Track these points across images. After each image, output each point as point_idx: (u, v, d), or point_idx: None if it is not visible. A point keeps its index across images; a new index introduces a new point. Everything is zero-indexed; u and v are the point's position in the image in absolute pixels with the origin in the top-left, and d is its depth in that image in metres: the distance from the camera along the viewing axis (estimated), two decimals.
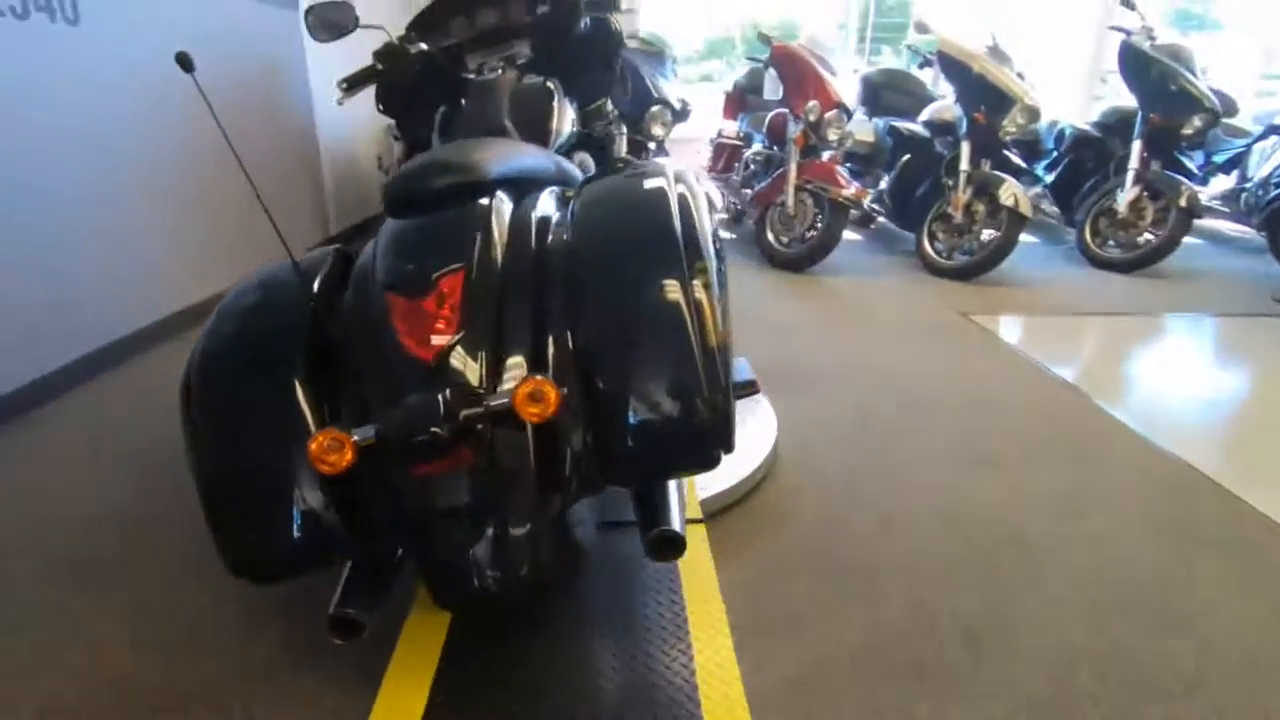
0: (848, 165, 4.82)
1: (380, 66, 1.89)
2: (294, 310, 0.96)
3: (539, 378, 0.81)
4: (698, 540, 1.48)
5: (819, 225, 3.86)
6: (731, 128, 5.11)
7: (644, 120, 3.91)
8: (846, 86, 5.49)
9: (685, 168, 1.23)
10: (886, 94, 4.95)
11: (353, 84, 1.89)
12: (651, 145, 4.06)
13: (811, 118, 3.79)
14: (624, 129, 3.91)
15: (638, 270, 0.94)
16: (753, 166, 4.60)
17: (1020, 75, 3.84)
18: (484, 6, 2.04)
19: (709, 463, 0.95)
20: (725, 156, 5.00)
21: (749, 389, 1.16)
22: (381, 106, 2.08)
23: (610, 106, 2.29)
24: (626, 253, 0.97)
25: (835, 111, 3.82)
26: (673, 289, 0.91)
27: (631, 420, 0.90)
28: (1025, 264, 4.11)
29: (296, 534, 0.90)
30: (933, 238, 3.97)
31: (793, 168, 3.85)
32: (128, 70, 2.44)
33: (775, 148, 4.32)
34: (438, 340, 0.88)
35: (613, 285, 0.94)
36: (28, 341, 2.08)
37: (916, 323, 3.14)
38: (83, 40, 2.25)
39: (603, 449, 0.92)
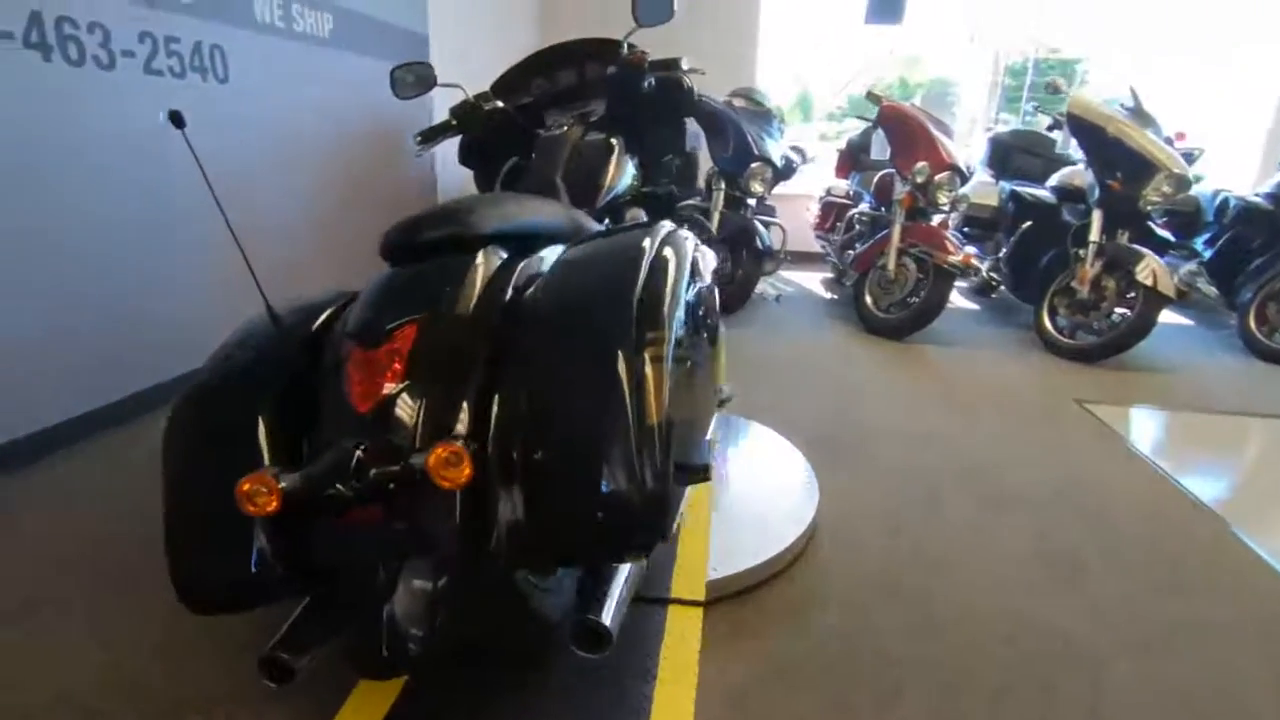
0: (966, 230, 4.54)
1: (455, 122, 2.01)
2: (272, 352, 1.00)
3: (456, 444, 0.78)
4: (690, 627, 1.36)
5: (922, 292, 3.62)
6: (843, 186, 4.97)
7: (743, 177, 3.89)
8: (971, 149, 5.21)
9: (683, 231, 1.18)
10: (1016, 156, 4.62)
11: (428, 137, 2.02)
12: (751, 201, 4.03)
13: (919, 179, 3.60)
14: (722, 184, 3.93)
15: (580, 337, 0.90)
16: (858, 227, 4.42)
17: (1168, 140, 3.45)
18: (563, 67, 2.12)
19: (637, 551, 0.87)
20: (832, 215, 4.86)
21: (701, 475, 1.05)
22: (462, 159, 2.20)
23: (675, 163, 2.28)
24: (573, 317, 0.93)
25: (947, 174, 3.61)
26: (613, 360, 0.86)
27: (555, 497, 0.84)
28: (1169, 349, 3.62)
29: (239, 569, 0.91)
30: (1053, 313, 3.59)
31: (896, 229, 3.66)
32: (269, 120, 2.77)
33: (882, 209, 4.14)
34: (378, 392, 0.88)
35: (554, 351, 0.91)
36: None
37: (1018, 405, 2.82)
38: (231, 95, 2.58)
39: (530, 523, 0.87)
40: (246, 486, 0.80)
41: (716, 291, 1.37)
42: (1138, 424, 2.71)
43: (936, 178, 3.62)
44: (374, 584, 0.85)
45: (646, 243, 1.03)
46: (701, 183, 4.14)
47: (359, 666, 0.85)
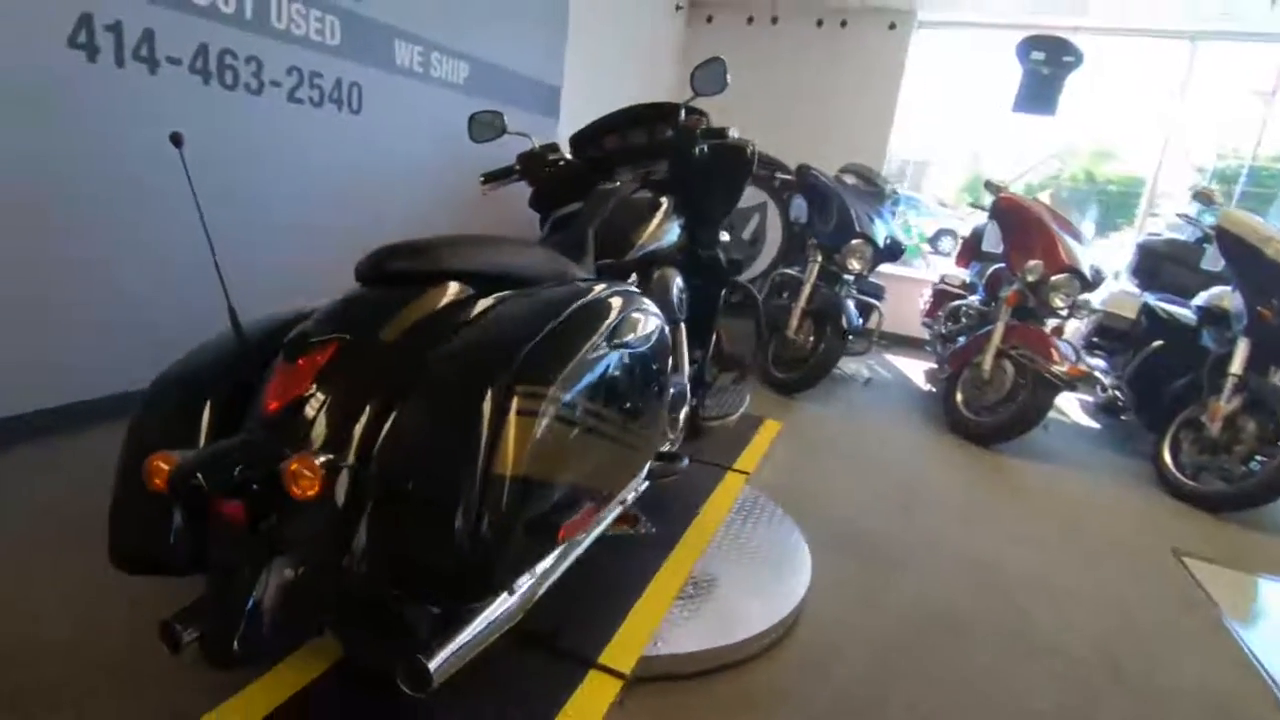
0: (1096, 340, 4.12)
1: (518, 168, 2.14)
2: (227, 356, 1.09)
3: (312, 458, 0.83)
4: (598, 700, 1.31)
5: (1018, 398, 3.30)
6: (960, 275, 4.69)
7: (841, 252, 3.79)
8: (1111, 253, 4.74)
9: (634, 299, 1.18)
10: (1167, 267, 4.15)
11: (491, 178, 2.17)
12: (848, 277, 3.91)
13: (1031, 278, 3.33)
14: (818, 257, 3.85)
15: (458, 379, 0.92)
16: (964, 320, 4.14)
17: None
18: (635, 127, 2.21)
19: (455, 597, 0.86)
20: (942, 304, 4.58)
21: (547, 535, 1.00)
22: (530, 204, 2.33)
23: (732, 228, 2.28)
24: (462, 359, 0.95)
25: (1065, 276, 3.32)
26: (475, 407, 0.87)
27: (395, 528, 0.86)
28: None
29: (156, 540, 1.00)
30: (1176, 447, 3.14)
31: (998, 329, 3.39)
32: (391, 149, 3.10)
33: (991, 304, 3.85)
34: (284, 399, 0.95)
35: (434, 389, 0.93)
36: None
37: (1100, 543, 2.48)
38: (360, 125, 2.92)
39: (375, 548, 0.89)
40: (152, 463, 0.89)
41: (673, 364, 1.34)
42: (1242, 595, 2.27)
43: (1053, 279, 3.33)
44: (238, 578, 0.90)
45: (578, 301, 1.05)
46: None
47: (208, 653, 0.90)
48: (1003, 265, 3.65)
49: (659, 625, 1.53)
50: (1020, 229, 3.46)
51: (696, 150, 1.97)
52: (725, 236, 2.40)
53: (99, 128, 2.06)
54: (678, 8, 5.70)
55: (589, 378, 1.00)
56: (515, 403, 0.89)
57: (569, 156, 2.17)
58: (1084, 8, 4.70)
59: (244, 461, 0.86)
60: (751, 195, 5.34)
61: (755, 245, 5.57)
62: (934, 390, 4.41)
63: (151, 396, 1.08)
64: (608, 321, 1.08)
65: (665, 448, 1.78)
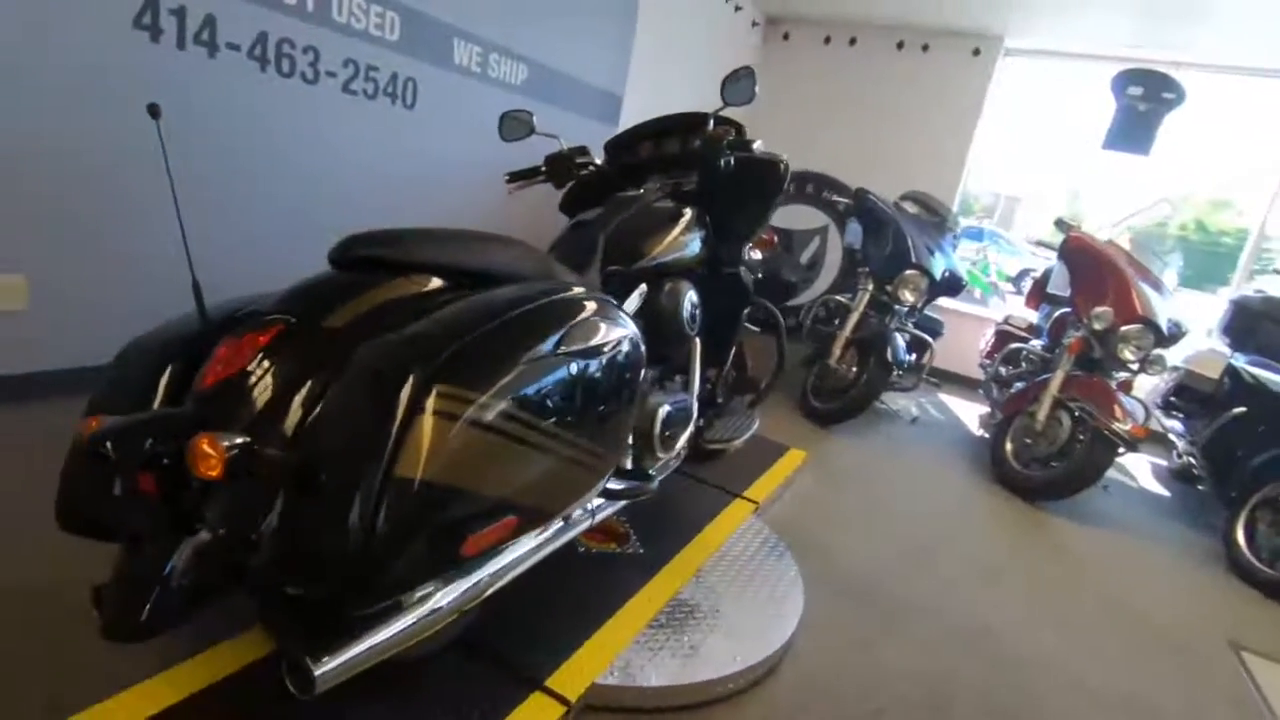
0: (1174, 400, 3.78)
1: (544, 169, 2.12)
2: (187, 330, 1.08)
3: (220, 440, 0.80)
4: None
5: (1072, 454, 3.05)
6: (1026, 318, 4.41)
7: (894, 282, 3.62)
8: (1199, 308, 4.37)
9: (607, 303, 1.12)
10: (1266, 326, 3.77)
11: (516, 177, 2.15)
12: (900, 309, 3.72)
13: (1098, 326, 3.09)
14: (869, 286, 3.69)
15: (374, 372, 0.88)
16: (1024, 364, 3.88)
17: None
18: (669, 136, 2.15)
19: (338, 594, 0.81)
20: (1002, 346, 4.31)
21: (450, 546, 0.93)
22: (560, 206, 2.31)
23: (747, 251, 2.18)
24: (384, 352, 0.91)
25: (1138, 327, 3.05)
26: (388, 405, 0.83)
27: (292, 515, 0.82)
28: None
29: (93, 502, 1.00)
30: (1251, 527, 2.82)
31: (1057, 377, 3.15)
32: (441, 144, 3.15)
33: (1055, 350, 3.59)
34: (220, 375, 0.93)
35: (352, 376, 0.89)
36: None
37: (1142, 628, 2.23)
38: (413, 119, 2.98)
39: (278, 535, 0.86)
40: (85, 425, 0.89)
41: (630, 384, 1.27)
42: None
43: (1123, 329, 3.07)
44: (151, 550, 0.89)
45: (530, 304, 1.00)
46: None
47: (106, 621, 0.89)
48: (1069, 309, 3.40)
49: (620, 653, 1.45)
50: (1090, 272, 3.21)
51: (721, 162, 1.89)
52: (758, 255, 2.32)
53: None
54: (754, 24, 5.64)
55: (526, 385, 0.95)
56: (432, 402, 0.84)
57: (598, 162, 2.13)
58: (1188, 42, 4.36)
59: (155, 434, 0.84)
60: (813, 218, 5.21)
61: (813, 269, 5.42)
62: (987, 436, 4.15)
63: (113, 364, 1.09)
64: (558, 328, 1.02)
65: (654, 468, 1.71)
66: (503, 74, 3.34)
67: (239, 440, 0.83)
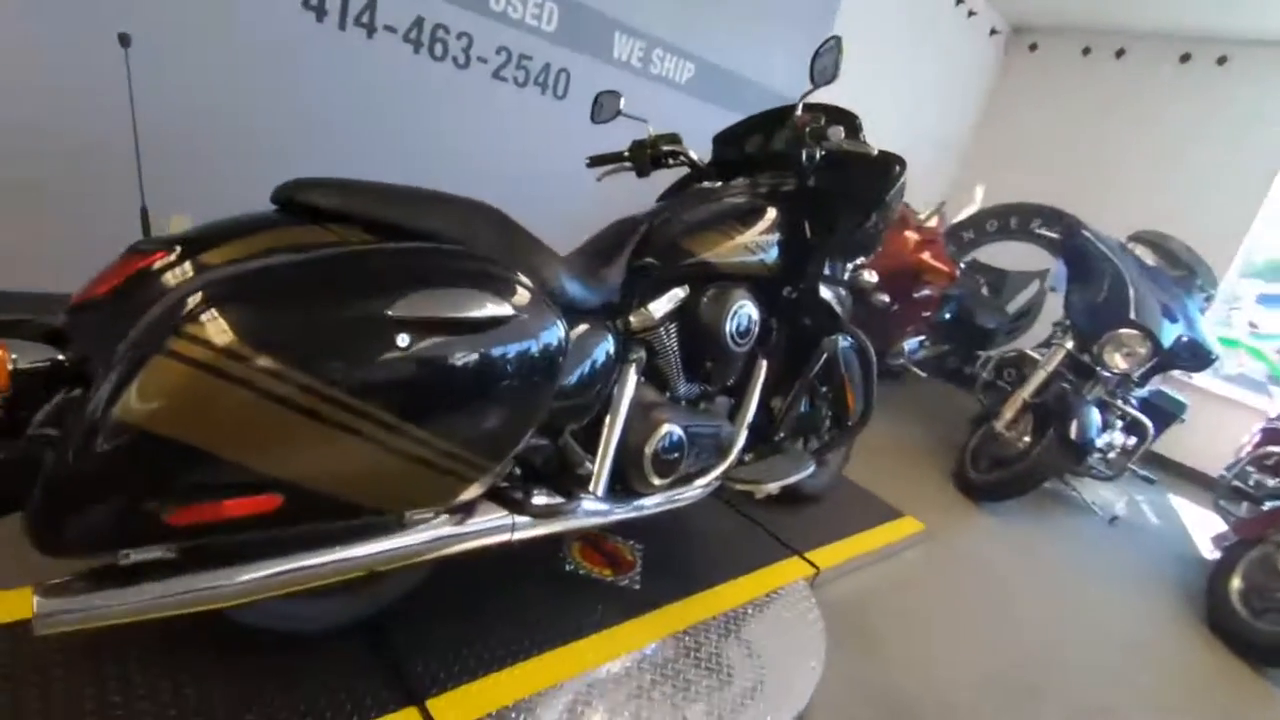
0: None
1: (627, 154, 1.96)
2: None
3: (10, 354, 0.78)
4: None
5: None
6: None
7: (1099, 341, 2.88)
8: None
9: (495, 269, 0.93)
10: None
11: (596, 161, 2.02)
12: (1105, 375, 2.95)
13: None
14: (1067, 343, 2.99)
15: (153, 310, 0.80)
16: None
17: None
18: (779, 129, 1.89)
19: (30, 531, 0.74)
20: (1268, 448, 3.22)
21: (153, 510, 0.79)
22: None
23: (839, 272, 1.80)
24: (176, 289, 0.81)
25: None
26: (139, 339, 0.75)
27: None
28: None
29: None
30: None
31: None
32: (598, 137, 3.14)
33: None
34: (86, 291, 0.93)
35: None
36: None
37: None
38: (561, 109, 3.01)
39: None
40: None
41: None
42: None
43: None
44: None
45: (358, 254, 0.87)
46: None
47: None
48: None
49: (536, 695, 1.25)
50: None
51: (804, 155, 1.59)
52: (870, 276, 1.95)
53: (316, 80, 2.41)
54: (993, 31, 4.93)
55: (326, 347, 0.81)
56: (170, 342, 0.74)
57: (691, 153, 1.92)
58: None
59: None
60: (1035, 258, 4.39)
61: (1023, 318, 4.59)
62: (1215, 556, 3.15)
63: None
64: (396, 288, 0.86)
65: (648, 494, 1.47)
66: (665, 70, 3.26)
67: (51, 360, 0.81)
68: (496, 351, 0.97)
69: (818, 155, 1.60)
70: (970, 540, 2.65)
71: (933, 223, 3.78)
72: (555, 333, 1.06)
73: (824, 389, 2.06)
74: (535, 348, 1.03)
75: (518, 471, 1.31)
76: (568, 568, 1.62)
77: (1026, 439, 2.96)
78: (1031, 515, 3.03)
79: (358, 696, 1.15)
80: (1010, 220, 4.22)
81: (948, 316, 4.29)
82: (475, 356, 0.94)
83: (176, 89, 2.17)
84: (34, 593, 0.78)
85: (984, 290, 4.59)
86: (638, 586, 1.63)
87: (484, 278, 0.99)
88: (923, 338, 4.20)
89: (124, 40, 1.08)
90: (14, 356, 0.80)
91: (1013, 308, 4.64)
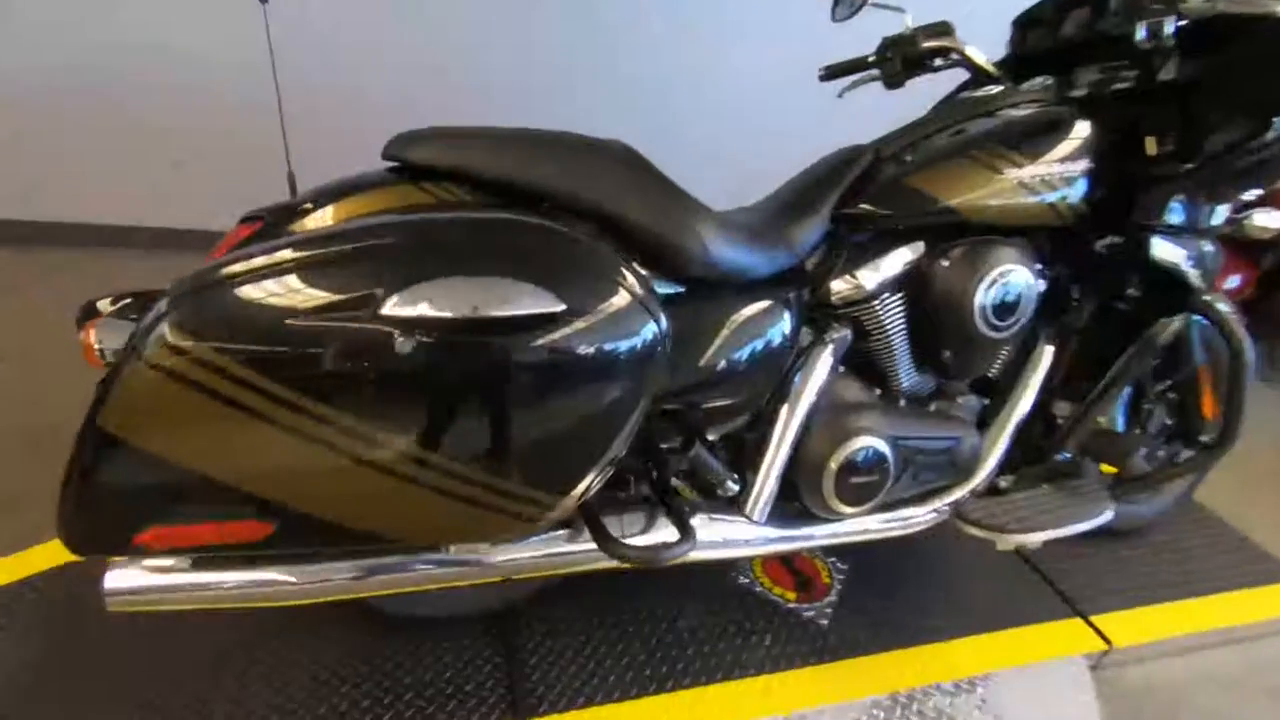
0: None
1: (872, 58, 1.46)
2: None
3: (94, 330, 0.78)
4: None
5: None
6: None
7: None
8: None
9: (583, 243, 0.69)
10: None
11: (833, 72, 1.53)
12: None
13: None
14: None
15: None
16: None
17: None
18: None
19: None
20: None
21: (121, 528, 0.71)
22: None
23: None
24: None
25: None
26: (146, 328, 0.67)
27: None
28: None
29: None
30: None
31: None
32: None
33: None
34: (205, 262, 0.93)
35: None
36: None
37: None
38: None
39: None
40: None
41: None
42: None
43: None
44: None
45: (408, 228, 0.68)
46: None
47: None
48: None
49: None
50: None
51: (1145, 27, 0.99)
52: (1272, 221, 1.23)
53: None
54: None
55: (293, 345, 0.66)
56: (142, 345, 0.65)
57: (968, 50, 1.37)
58: None
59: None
60: None
61: None
62: None
63: None
64: (386, 283, 0.66)
65: (832, 520, 1.12)
66: None
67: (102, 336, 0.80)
68: (538, 359, 0.73)
69: (1171, 29, 0.98)
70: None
71: None
72: (641, 331, 0.79)
73: (1159, 388, 1.39)
74: (605, 353, 0.76)
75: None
76: (742, 580, 1.36)
77: None
78: None
79: (463, 697, 1.08)
80: None
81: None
82: (517, 365, 0.72)
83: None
84: (107, 567, 0.81)
85: None
86: (825, 621, 1.30)
87: (528, 262, 0.75)
88: None
89: None
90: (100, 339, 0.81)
91: None
